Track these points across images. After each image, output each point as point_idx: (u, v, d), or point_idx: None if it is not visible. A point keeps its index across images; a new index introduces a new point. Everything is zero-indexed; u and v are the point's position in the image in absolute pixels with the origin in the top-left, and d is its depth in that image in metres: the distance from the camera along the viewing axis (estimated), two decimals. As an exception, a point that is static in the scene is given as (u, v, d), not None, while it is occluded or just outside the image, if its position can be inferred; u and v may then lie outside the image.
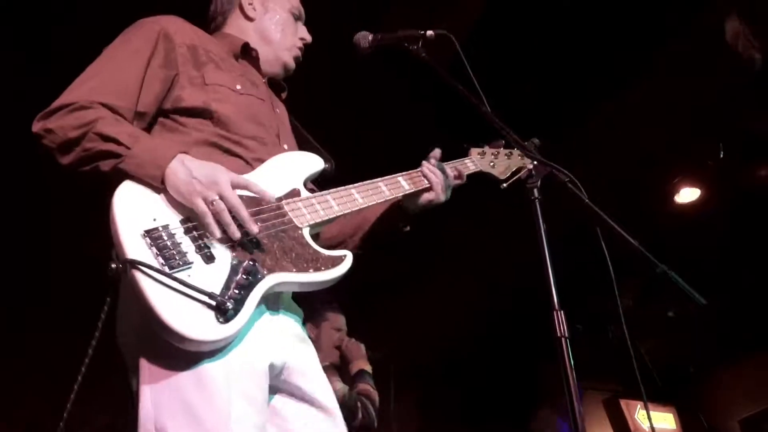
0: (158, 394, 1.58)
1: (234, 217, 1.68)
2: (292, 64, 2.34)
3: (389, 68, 3.58)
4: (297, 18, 2.38)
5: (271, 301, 1.80)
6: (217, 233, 1.66)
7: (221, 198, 1.67)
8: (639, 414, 7.42)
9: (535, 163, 2.01)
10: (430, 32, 2.17)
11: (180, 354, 1.55)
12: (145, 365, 1.62)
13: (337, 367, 3.71)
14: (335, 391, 2.06)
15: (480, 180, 2.41)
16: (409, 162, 2.25)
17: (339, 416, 1.88)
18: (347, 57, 2.40)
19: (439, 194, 2.20)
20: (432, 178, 2.20)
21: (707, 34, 4.38)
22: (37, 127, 1.74)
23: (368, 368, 3.65)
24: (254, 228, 1.69)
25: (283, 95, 2.38)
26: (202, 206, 1.65)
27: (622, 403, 7.48)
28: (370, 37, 2.28)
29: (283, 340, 1.80)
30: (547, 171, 1.99)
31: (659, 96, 4.90)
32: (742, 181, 5.72)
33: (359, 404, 3.47)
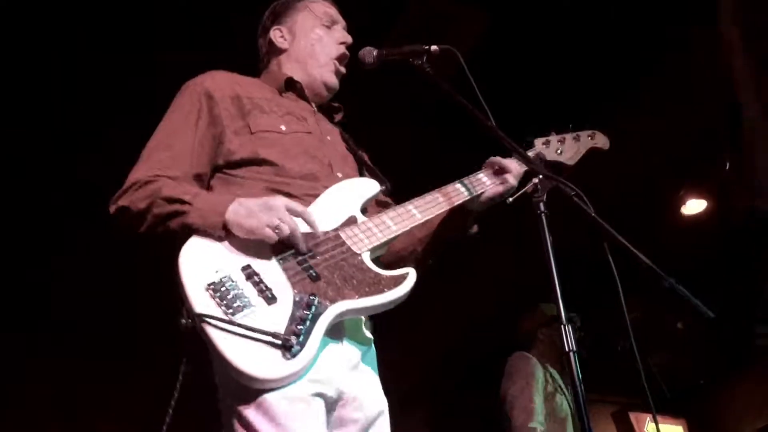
0: None
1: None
2: (332, 80, 2.34)
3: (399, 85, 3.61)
4: (330, 25, 2.38)
5: (334, 332, 1.83)
6: (298, 251, 1.80)
7: (282, 222, 1.77)
8: (648, 427, 7.36)
9: (541, 177, 2.01)
10: (434, 47, 2.18)
11: (252, 392, 1.64)
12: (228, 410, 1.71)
13: None
14: None
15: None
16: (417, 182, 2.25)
17: None
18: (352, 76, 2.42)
19: (512, 183, 2.19)
20: (509, 165, 2.19)
21: (711, 45, 4.39)
22: (113, 208, 1.93)
23: None
24: (302, 247, 1.81)
25: (338, 117, 2.42)
26: (269, 233, 1.76)
27: (632, 416, 7.41)
28: (375, 52, 2.29)
29: (342, 371, 1.83)
30: (553, 185, 1.99)
31: (664, 107, 4.91)
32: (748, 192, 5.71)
33: None
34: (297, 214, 1.83)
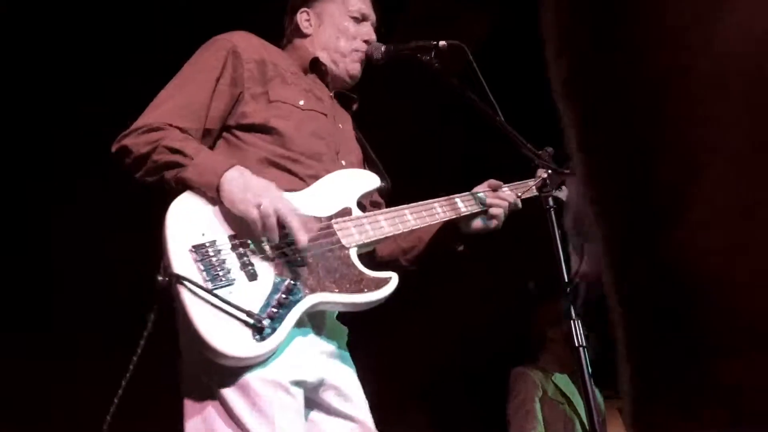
0: (205, 410, 1.65)
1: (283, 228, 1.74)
2: (354, 71, 2.30)
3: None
4: (360, 20, 2.33)
5: (314, 319, 1.83)
6: (270, 240, 1.73)
7: (274, 208, 1.72)
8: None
9: (550, 172, 2.01)
10: (443, 42, 2.17)
11: (223, 370, 1.61)
12: (192, 380, 1.70)
13: None
14: None
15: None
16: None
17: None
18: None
19: (500, 221, 2.20)
20: (497, 202, 2.19)
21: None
22: (115, 146, 1.88)
23: None
24: (303, 238, 1.74)
25: (354, 107, 2.39)
26: (254, 213, 1.70)
27: (638, 411, 7.41)
28: (383, 48, 2.29)
29: (321, 358, 1.83)
30: (562, 180, 1.99)
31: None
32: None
33: None
34: (285, 222, 1.75)
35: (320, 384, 1.82)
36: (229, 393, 1.63)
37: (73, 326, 4.88)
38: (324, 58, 2.27)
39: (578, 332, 1.82)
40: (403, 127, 4.72)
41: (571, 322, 1.82)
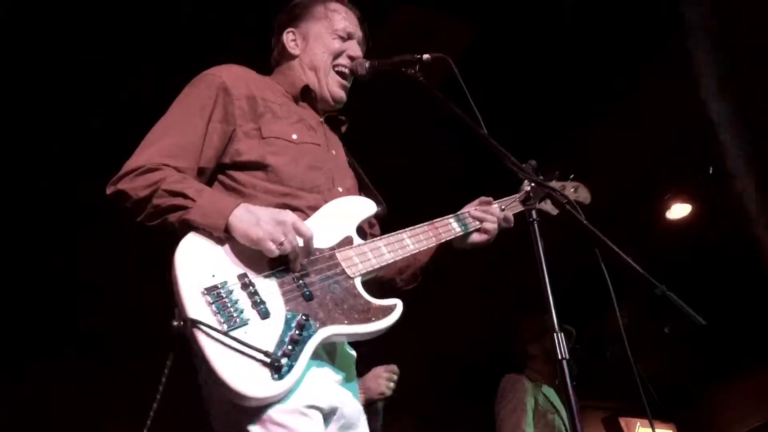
0: None
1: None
2: (338, 94, 2.29)
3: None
4: (346, 38, 2.32)
5: (327, 348, 1.86)
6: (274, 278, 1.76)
7: (287, 238, 1.74)
8: (638, 431, 7.38)
9: (533, 185, 2.02)
10: (426, 56, 2.17)
11: (246, 409, 1.64)
12: (221, 417, 1.73)
13: None
14: None
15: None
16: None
17: None
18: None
19: (492, 236, 2.27)
20: (487, 218, 2.26)
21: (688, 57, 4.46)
22: (110, 190, 1.85)
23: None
24: (297, 267, 1.79)
25: (343, 129, 2.39)
26: (271, 247, 1.72)
27: (622, 421, 7.44)
28: (368, 63, 2.29)
29: (334, 387, 1.86)
30: (545, 193, 1.99)
31: (647, 113, 4.95)
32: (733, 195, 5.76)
33: None
34: (301, 235, 1.79)
35: (332, 412, 1.83)
36: (253, 429, 1.66)
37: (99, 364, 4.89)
38: (310, 81, 2.26)
39: (562, 345, 1.82)
40: (401, 144, 4.75)
41: (554, 335, 1.82)
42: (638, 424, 7.38)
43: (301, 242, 1.80)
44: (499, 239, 2.33)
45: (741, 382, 7.34)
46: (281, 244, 1.73)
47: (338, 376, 1.89)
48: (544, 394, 4.27)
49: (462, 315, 6.36)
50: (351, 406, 1.91)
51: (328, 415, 1.81)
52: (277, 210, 1.80)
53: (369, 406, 3.38)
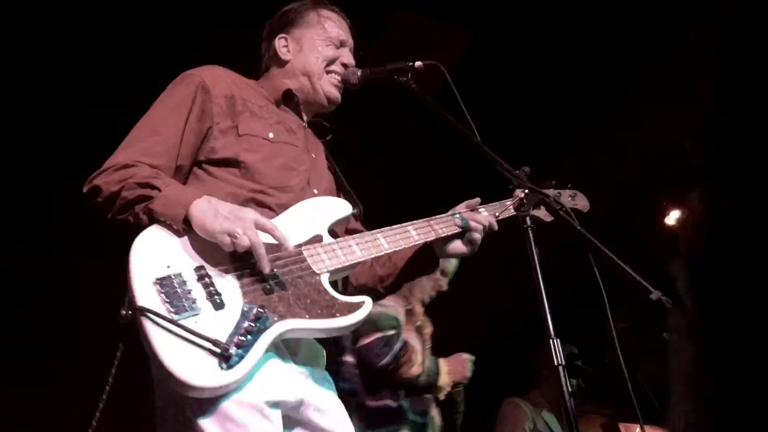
0: None
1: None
2: (332, 95, 2.29)
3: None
4: (339, 46, 2.33)
5: (290, 343, 1.84)
6: (242, 264, 1.74)
7: (244, 233, 1.72)
8: (638, 437, 7.36)
9: (527, 191, 2.01)
10: (418, 63, 2.18)
11: (199, 399, 1.60)
12: (165, 411, 1.70)
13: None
14: None
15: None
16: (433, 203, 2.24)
17: None
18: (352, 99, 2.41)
19: (476, 245, 2.15)
20: (472, 226, 2.13)
21: (684, 62, 4.47)
22: (86, 187, 1.87)
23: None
24: (265, 268, 1.74)
25: (328, 137, 2.38)
26: (226, 240, 1.71)
27: (621, 426, 7.41)
28: (360, 72, 2.29)
29: (300, 378, 1.85)
30: (539, 199, 2.00)
31: (644, 119, 4.96)
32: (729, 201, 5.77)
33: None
34: (265, 230, 1.77)
35: (300, 404, 1.83)
36: (204, 423, 1.62)
37: (49, 354, 4.86)
38: (300, 85, 2.27)
39: (558, 351, 1.82)
40: (396, 150, 4.76)
41: (551, 341, 1.83)
42: (638, 429, 7.36)
43: (266, 238, 1.77)
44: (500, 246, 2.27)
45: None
46: (235, 238, 1.70)
47: (304, 369, 1.88)
48: (545, 420, 4.37)
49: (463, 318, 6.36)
50: (322, 394, 1.91)
51: (295, 407, 1.81)
52: (240, 206, 1.80)
53: (454, 388, 3.50)
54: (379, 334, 3.26)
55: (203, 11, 3.83)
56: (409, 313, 3.57)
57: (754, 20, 4.42)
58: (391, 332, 3.27)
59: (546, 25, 4.34)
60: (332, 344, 2.34)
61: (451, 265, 3.71)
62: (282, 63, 2.31)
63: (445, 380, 3.46)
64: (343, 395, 2.84)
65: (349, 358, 3.34)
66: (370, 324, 3.25)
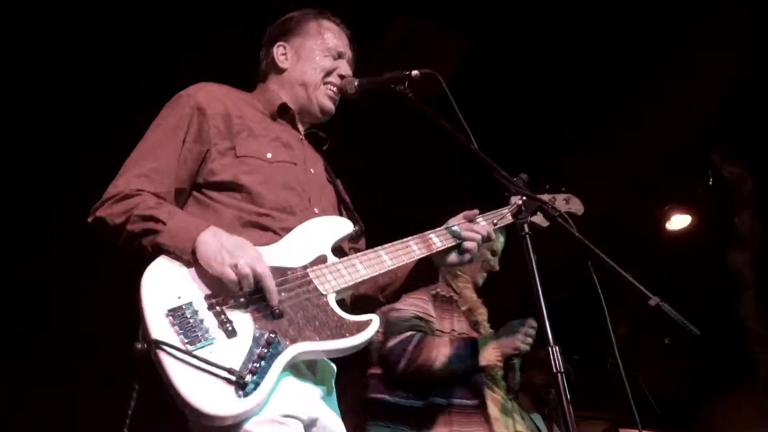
0: None
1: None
2: (328, 105, 2.29)
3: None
4: (337, 57, 2.33)
5: (309, 361, 1.86)
6: (242, 299, 1.75)
7: (251, 268, 1.73)
8: (639, 443, 7.33)
9: (525, 198, 2.01)
10: (415, 72, 2.17)
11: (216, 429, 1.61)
12: None
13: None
14: None
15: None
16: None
17: None
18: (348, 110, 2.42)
19: (474, 254, 2.16)
20: (469, 236, 2.15)
21: (687, 65, 4.47)
22: (91, 218, 1.91)
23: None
24: (274, 299, 1.76)
25: (324, 147, 2.39)
26: (231, 274, 1.72)
27: (622, 432, 7.39)
28: (356, 82, 2.29)
29: (314, 399, 1.86)
30: (537, 206, 1.99)
31: (647, 123, 4.96)
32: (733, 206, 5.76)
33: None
34: (259, 278, 1.76)
35: (312, 424, 1.83)
36: None
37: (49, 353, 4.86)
38: (295, 94, 2.27)
39: (557, 359, 1.82)
40: (394, 158, 4.76)
41: (549, 348, 1.82)
42: (638, 435, 7.33)
43: (268, 254, 1.81)
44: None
45: (743, 393, 7.30)
46: (236, 267, 1.72)
47: (319, 390, 1.89)
48: (532, 419, 4.32)
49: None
50: (332, 419, 1.92)
51: (308, 426, 1.80)
52: (244, 241, 1.80)
53: (506, 362, 3.18)
54: (396, 339, 3.18)
55: (203, 11, 3.83)
56: (447, 301, 3.36)
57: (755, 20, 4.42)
58: (407, 334, 3.17)
59: (546, 25, 4.34)
60: (359, 357, 2.33)
61: (500, 243, 3.55)
62: (279, 71, 2.31)
63: (491, 356, 3.07)
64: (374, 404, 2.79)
65: (375, 371, 3.27)
66: (389, 332, 3.17)
